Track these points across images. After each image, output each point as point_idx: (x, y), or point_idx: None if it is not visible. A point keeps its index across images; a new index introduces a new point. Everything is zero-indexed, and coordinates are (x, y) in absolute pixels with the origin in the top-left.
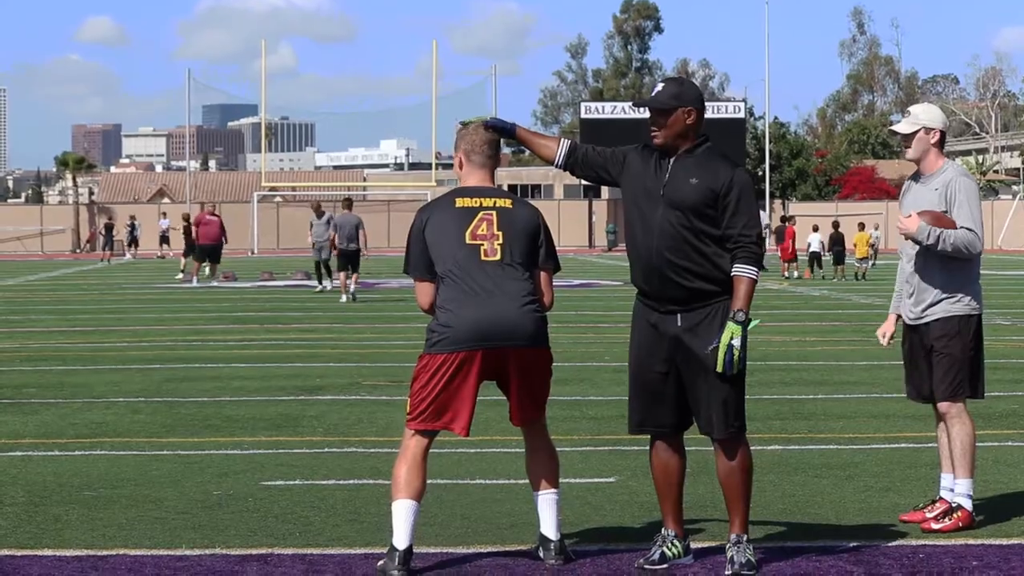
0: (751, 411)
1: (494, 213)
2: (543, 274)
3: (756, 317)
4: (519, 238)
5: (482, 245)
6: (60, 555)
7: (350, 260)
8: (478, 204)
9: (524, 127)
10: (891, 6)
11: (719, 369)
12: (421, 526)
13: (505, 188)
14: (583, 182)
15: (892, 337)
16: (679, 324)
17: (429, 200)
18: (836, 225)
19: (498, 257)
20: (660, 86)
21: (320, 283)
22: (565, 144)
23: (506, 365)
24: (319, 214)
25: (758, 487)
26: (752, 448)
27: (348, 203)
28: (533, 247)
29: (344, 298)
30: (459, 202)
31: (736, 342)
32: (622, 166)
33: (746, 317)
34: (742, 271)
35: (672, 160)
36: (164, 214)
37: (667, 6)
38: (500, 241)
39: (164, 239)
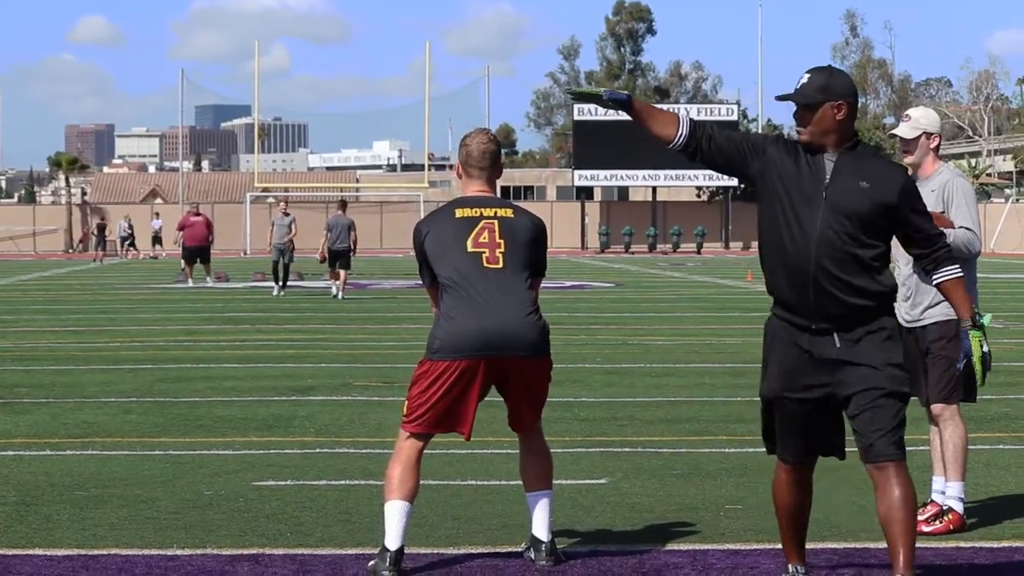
0: (743, 412)
1: (495, 222)
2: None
3: (983, 313)
4: (521, 247)
5: (484, 253)
6: (51, 554)
7: (339, 258)
8: (478, 214)
9: (636, 99)
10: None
11: (981, 383)
12: (412, 527)
13: (497, 190)
14: (576, 183)
15: None
16: (836, 345)
17: (421, 201)
18: None
19: (500, 265)
20: (805, 77)
21: (276, 285)
22: (686, 123)
23: (508, 373)
24: (284, 214)
25: (749, 487)
26: (744, 450)
27: (343, 205)
28: (534, 256)
29: (334, 291)
30: (459, 212)
31: (987, 347)
32: (762, 159)
33: (979, 318)
34: (951, 273)
35: (831, 159)
36: (157, 214)
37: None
38: (502, 249)
39: (157, 239)
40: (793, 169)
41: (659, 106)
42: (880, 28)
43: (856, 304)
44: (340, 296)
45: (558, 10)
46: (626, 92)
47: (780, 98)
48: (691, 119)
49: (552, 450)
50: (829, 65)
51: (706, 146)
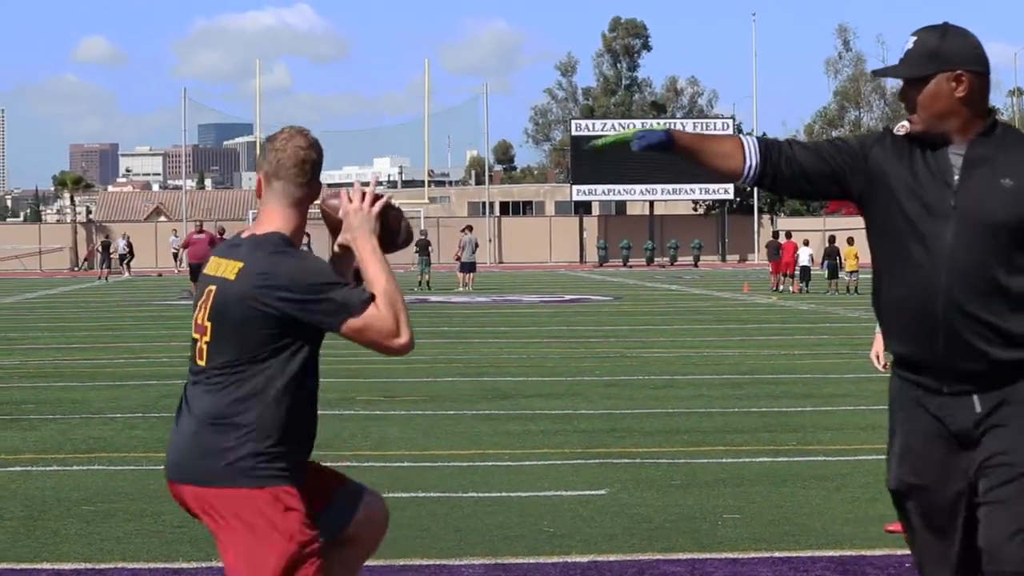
0: (740, 423)
1: (213, 289)
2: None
3: None
4: (231, 326)
5: (197, 342)
6: (58, 568)
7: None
8: (211, 272)
9: (678, 130)
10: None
11: None
12: (413, 538)
13: (496, 205)
14: (574, 198)
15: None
16: (977, 410)
17: (422, 216)
18: (832, 239)
19: (203, 362)
20: (911, 41)
21: None
22: (754, 150)
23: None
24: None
25: (746, 497)
26: (741, 460)
27: None
28: (258, 328)
29: None
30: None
31: None
32: (865, 169)
33: None
34: None
35: (959, 152)
36: (175, 231)
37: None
38: (208, 337)
39: (176, 256)
40: (907, 174)
41: (713, 133)
42: (872, 42)
43: (1006, 356)
44: None
45: (554, 27)
46: (664, 129)
47: (877, 73)
48: (759, 141)
49: (551, 462)
50: (945, 23)
51: (788, 171)
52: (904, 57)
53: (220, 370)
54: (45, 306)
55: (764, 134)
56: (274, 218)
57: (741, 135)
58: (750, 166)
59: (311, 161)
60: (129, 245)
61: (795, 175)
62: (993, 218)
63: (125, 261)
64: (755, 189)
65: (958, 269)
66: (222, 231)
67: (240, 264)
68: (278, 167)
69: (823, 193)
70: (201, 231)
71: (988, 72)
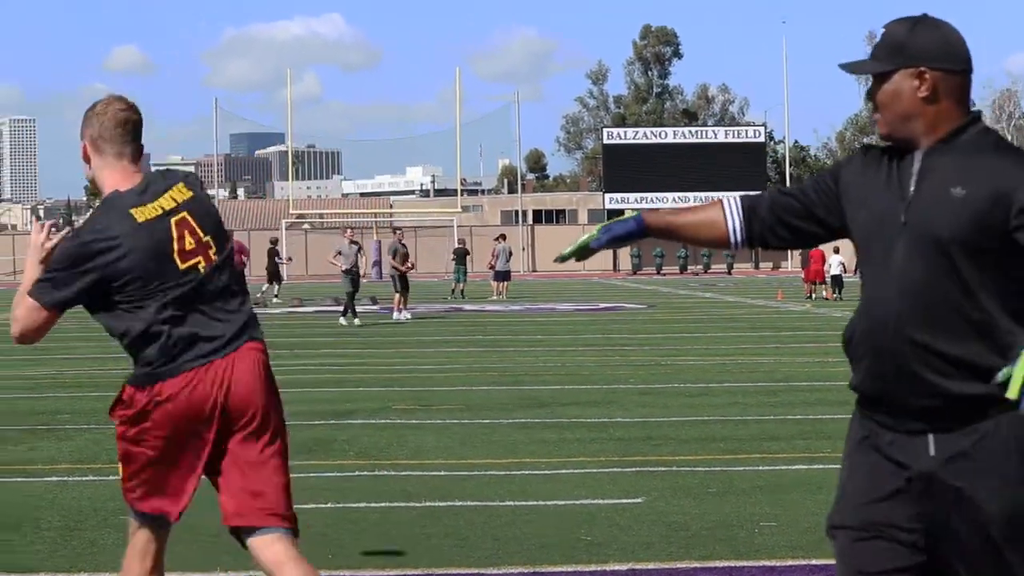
0: (776, 431)
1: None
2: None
3: None
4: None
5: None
6: None
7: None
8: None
9: (650, 210)
10: None
11: (1011, 395)
12: (451, 547)
13: (529, 214)
14: (607, 206)
15: None
16: (932, 453)
17: (455, 225)
18: None
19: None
20: (880, 33)
21: (347, 316)
22: (735, 211)
23: None
24: (351, 242)
25: (783, 505)
26: (778, 467)
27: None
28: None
29: (398, 316)
30: (137, 214)
31: None
32: (836, 195)
33: None
34: None
35: (917, 160)
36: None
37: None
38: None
39: None
40: (870, 187)
41: (690, 205)
42: None
43: (961, 391)
44: (405, 318)
45: (585, 35)
46: (633, 216)
47: (843, 67)
48: (739, 202)
49: (588, 470)
50: (923, 14)
51: (769, 224)
52: (872, 51)
53: None
54: (80, 315)
55: (796, 142)
56: (105, 182)
57: (723, 199)
58: (734, 229)
59: (132, 121)
60: None
61: (778, 225)
62: (940, 233)
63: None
64: None
65: (907, 291)
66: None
67: None
68: (102, 130)
69: (810, 236)
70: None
71: (962, 70)
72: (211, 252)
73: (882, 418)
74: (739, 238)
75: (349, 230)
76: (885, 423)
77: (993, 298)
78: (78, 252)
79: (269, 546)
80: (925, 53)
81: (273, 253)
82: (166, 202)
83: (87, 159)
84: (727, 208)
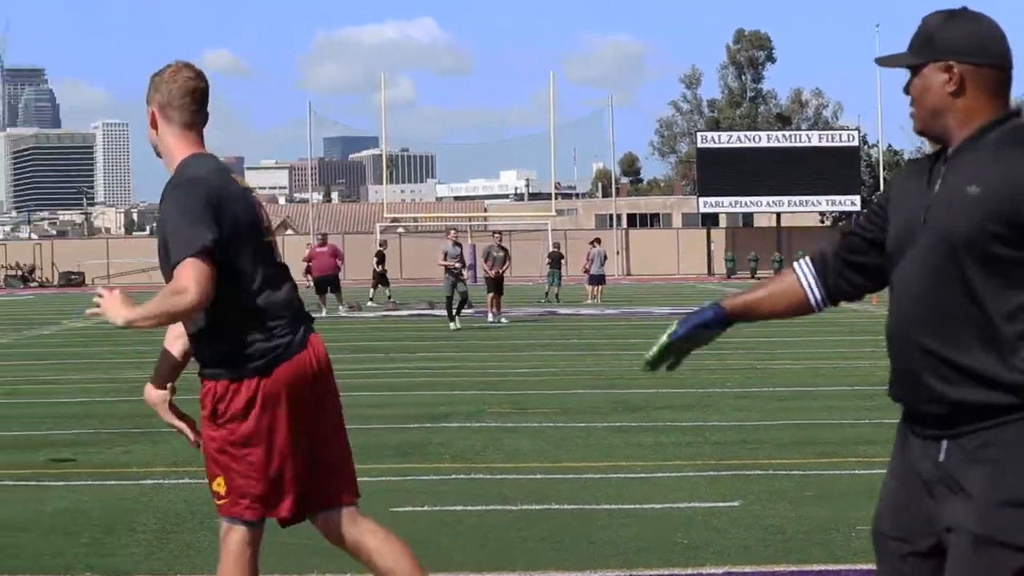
0: (871, 435)
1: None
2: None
3: None
4: None
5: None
6: None
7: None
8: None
9: (727, 297)
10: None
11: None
12: (547, 550)
13: (623, 218)
14: (701, 210)
15: None
16: (941, 459)
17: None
18: None
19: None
20: (918, 25)
21: (453, 319)
22: (806, 269)
23: None
24: (455, 243)
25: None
26: (874, 471)
27: (497, 235)
28: None
29: (490, 317)
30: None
31: None
32: (886, 212)
33: None
34: None
35: (946, 159)
36: (309, 245)
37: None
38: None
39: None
40: (908, 189)
41: (760, 283)
42: None
43: (964, 399)
44: (499, 320)
45: (678, 40)
46: (710, 307)
47: (877, 61)
48: (809, 260)
49: (684, 474)
50: (963, 7)
51: (844, 274)
52: (908, 44)
53: None
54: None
55: (889, 145)
56: (174, 150)
57: (795, 263)
58: (810, 288)
59: (200, 89)
60: None
61: (853, 269)
62: (952, 233)
63: None
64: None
65: (918, 296)
66: (323, 239)
67: None
68: (170, 98)
69: (878, 271)
70: (324, 244)
71: (998, 65)
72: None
73: (910, 424)
74: (818, 297)
75: (452, 231)
76: (913, 429)
77: (1000, 307)
78: (207, 200)
79: (354, 520)
80: (954, 46)
81: (382, 257)
82: (239, 179)
83: (154, 125)
84: (799, 271)
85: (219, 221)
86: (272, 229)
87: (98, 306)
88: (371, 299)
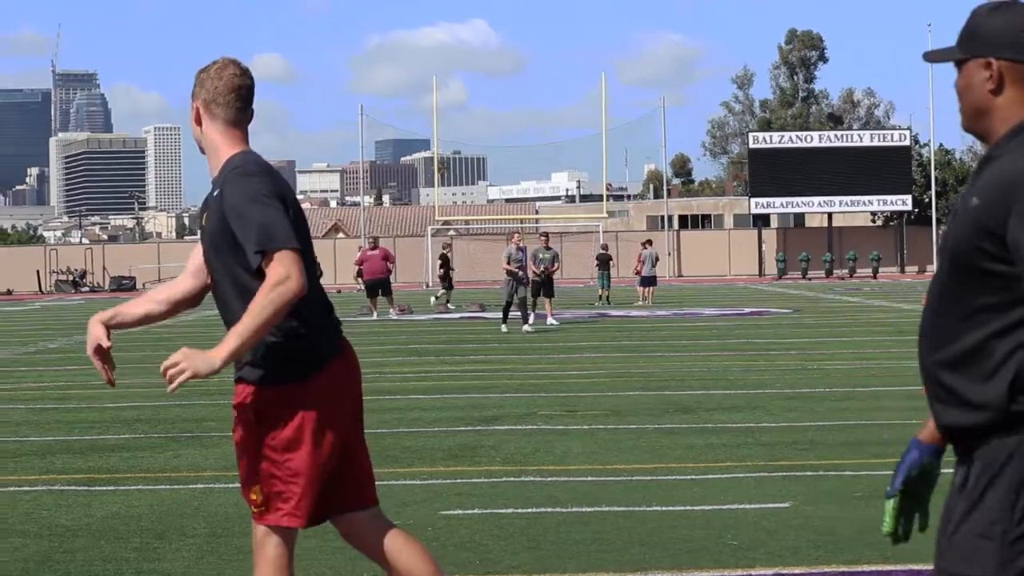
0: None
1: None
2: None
3: None
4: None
5: None
6: None
7: (544, 287)
8: None
9: (921, 430)
10: None
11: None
12: (598, 552)
13: (675, 219)
14: (753, 211)
15: None
16: (956, 483)
17: (600, 231)
18: None
19: None
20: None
21: (522, 320)
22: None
23: None
24: (518, 247)
25: (933, 509)
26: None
27: (545, 236)
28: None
29: (551, 320)
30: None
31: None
32: None
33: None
34: None
35: (980, 165)
36: (360, 248)
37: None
38: None
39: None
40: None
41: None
42: None
43: (957, 422)
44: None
45: (729, 40)
46: (912, 443)
47: (925, 56)
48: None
49: (734, 475)
50: (1015, 1)
51: None
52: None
53: None
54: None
55: (941, 145)
56: (220, 146)
57: None
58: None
59: (246, 87)
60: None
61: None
62: (952, 248)
63: None
64: (933, 202)
65: (926, 313)
66: (374, 242)
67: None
68: (215, 94)
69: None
70: (375, 247)
71: None
72: None
73: None
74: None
75: (517, 234)
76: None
77: (987, 329)
78: (280, 193)
79: (374, 522)
80: (994, 41)
81: (446, 260)
82: None
83: (198, 122)
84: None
85: (287, 214)
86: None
87: (179, 372)
88: (436, 297)
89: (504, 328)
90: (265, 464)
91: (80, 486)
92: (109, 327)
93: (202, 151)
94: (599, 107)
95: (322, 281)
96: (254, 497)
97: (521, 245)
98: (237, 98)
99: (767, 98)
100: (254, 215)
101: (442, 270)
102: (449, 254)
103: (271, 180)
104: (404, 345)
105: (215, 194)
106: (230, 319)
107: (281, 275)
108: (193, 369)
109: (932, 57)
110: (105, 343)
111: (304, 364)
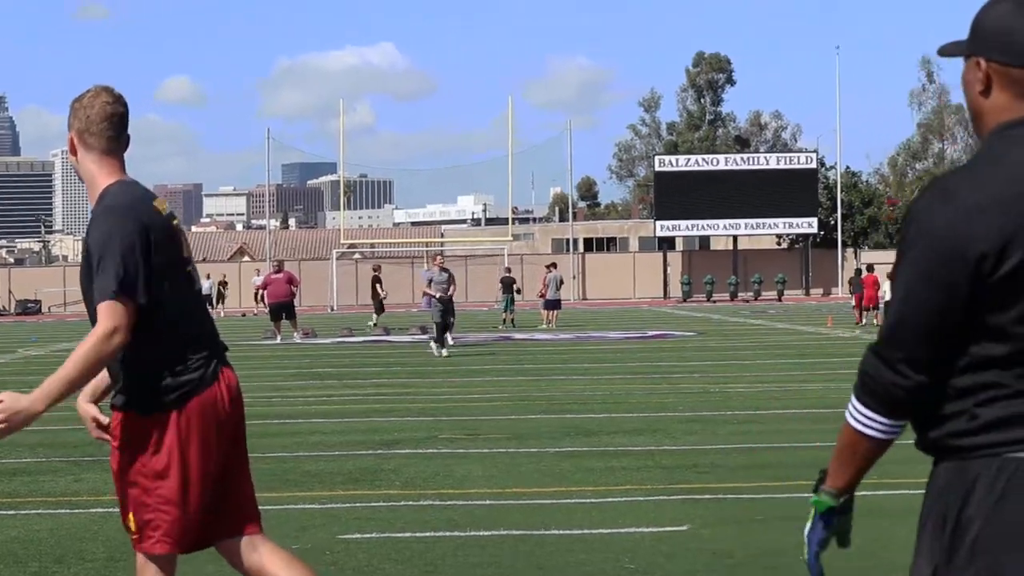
0: (824, 458)
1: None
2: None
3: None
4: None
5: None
6: None
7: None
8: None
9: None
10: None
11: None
12: None
13: (580, 242)
14: (658, 233)
15: None
16: None
17: (505, 254)
18: None
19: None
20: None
21: (437, 345)
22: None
23: None
24: (441, 269)
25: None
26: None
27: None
28: None
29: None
30: (158, 205)
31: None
32: None
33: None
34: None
35: None
36: (258, 271)
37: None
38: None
39: (256, 296)
40: None
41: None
42: (956, 74)
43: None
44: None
45: (638, 63)
46: (830, 494)
47: (940, 51)
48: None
49: (633, 498)
50: None
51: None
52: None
53: None
54: None
55: (847, 167)
56: (96, 176)
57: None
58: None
59: (119, 114)
60: (222, 284)
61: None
62: None
63: (210, 301)
64: (839, 224)
65: None
66: (279, 265)
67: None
68: (88, 123)
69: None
70: (279, 271)
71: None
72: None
73: None
74: (911, 391)
75: (439, 257)
76: None
77: (957, 358)
78: (134, 232)
79: (257, 546)
80: (985, 40)
81: (376, 281)
82: (161, 204)
83: (73, 151)
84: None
85: (145, 256)
86: (192, 258)
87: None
88: (372, 324)
89: (444, 352)
90: (136, 491)
91: None
92: (96, 402)
93: (82, 180)
94: (507, 130)
95: (227, 304)
96: (130, 524)
97: (445, 267)
98: (110, 126)
99: (674, 121)
100: (106, 260)
101: (376, 293)
102: (380, 275)
103: (133, 218)
104: (307, 369)
105: (88, 226)
106: None
107: (108, 328)
108: (10, 425)
109: (945, 50)
110: (103, 420)
111: (175, 392)
